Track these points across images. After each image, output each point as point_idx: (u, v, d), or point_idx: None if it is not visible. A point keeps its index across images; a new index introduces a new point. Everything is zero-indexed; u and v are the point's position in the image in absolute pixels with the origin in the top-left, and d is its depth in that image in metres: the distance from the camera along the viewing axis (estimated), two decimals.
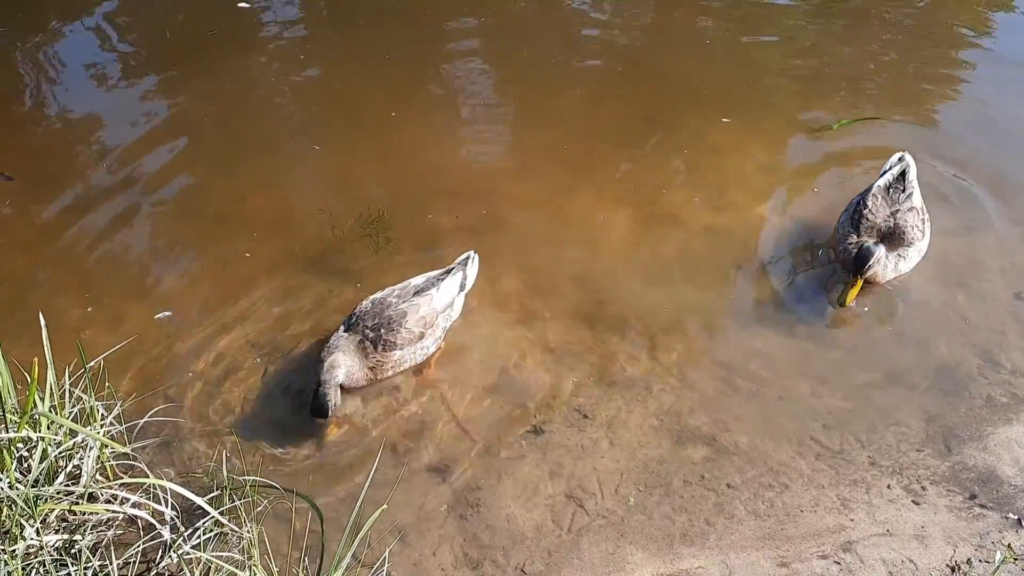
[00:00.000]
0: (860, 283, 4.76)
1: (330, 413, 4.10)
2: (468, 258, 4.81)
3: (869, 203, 5.11)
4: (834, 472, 4.08)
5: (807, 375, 4.54)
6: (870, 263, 4.73)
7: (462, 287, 4.71)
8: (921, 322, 4.85)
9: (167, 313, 4.84)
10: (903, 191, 5.17)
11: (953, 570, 3.66)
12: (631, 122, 6.41)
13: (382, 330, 4.33)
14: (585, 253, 5.26)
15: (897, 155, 5.41)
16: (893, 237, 4.98)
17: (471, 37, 7.39)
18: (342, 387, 4.23)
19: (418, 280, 4.63)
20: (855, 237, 5.02)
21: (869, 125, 6.30)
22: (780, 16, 7.77)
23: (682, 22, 7.78)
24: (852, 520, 3.87)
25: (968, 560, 3.69)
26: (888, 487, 4.02)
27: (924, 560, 3.71)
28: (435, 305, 4.49)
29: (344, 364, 4.21)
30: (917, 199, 5.18)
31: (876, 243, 4.86)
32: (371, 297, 4.52)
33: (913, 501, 3.95)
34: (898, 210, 5.06)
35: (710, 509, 3.93)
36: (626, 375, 4.53)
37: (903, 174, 5.25)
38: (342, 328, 4.43)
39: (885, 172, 5.30)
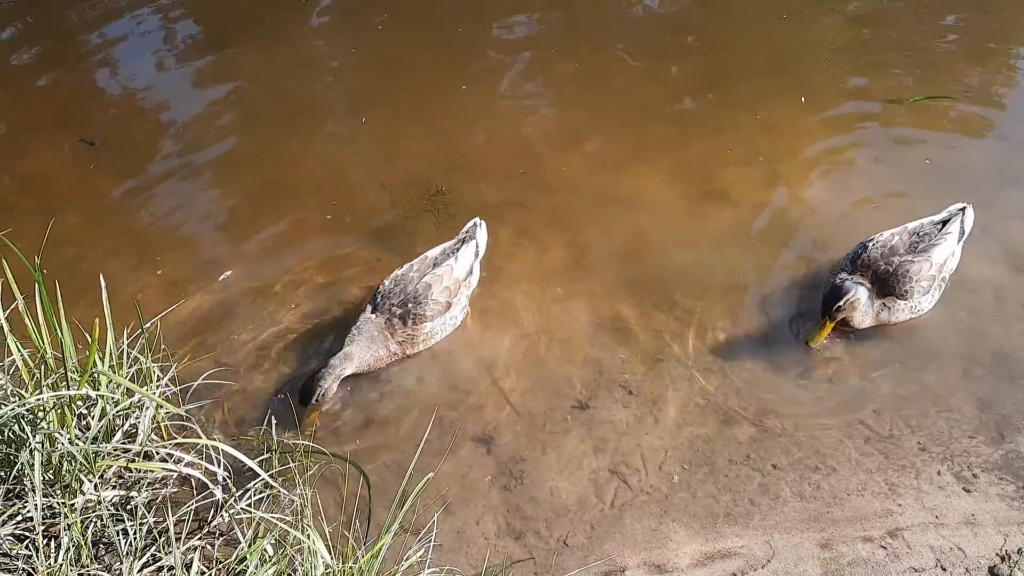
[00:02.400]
0: (830, 325, 4.35)
1: (312, 402, 4.09)
2: (475, 225, 4.81)
3: (882, 239, 4.57)
4: (883, 457, 4.03)
5: (858, 358, 4.46)
6: (840, 303, 4.27)
7: (476, 254, 4.73)
8: (977, 308, 4.72)
9: (229, 273, 4.94)
10: (931, 240, 4.56)
11: (1003, 559, 3.60)
12: (685, 97, 6.32)
13: (409, 304, 4.35)
14: (635, 229, 5.22)
15: (959, 205, 4.77)
16: (887, 283, 4.43)
17: (524, 11, 7.32)
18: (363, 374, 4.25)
19: (434, 252, 4.66)
20: (846, 273, 4.54)
21: (938, 106, 6.12)
22: None
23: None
24: (900, 505, 3.82)
25: (1019, 549, 3.63)
26: (938, 473, 3.95)
27: (973, 548, 3.65)
28: (456, 274, 4.51)
29: (357, 357, 4.22)
30: (941, 254, 4.51)
31: (858, 282, 4.39)
32: (392, 275, 4.53)
33: (964, 488, 3.89)
34: (909, 259, 4.48)
35: (755, 489, 3.91)
36: (673, 353, 4.51)
37: (945, 222, 4.65)
38: (369, 309, 4.43)
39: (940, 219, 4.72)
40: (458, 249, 4.64)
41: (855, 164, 5.70)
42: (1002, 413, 4.20)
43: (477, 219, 4.85)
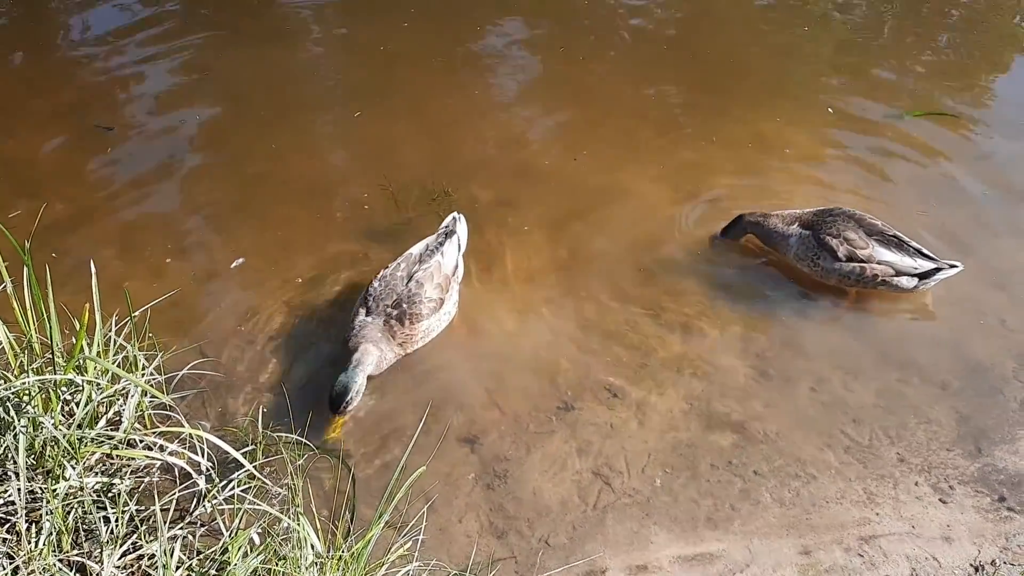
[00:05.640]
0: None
1: (343, 409, 4.02)
2: (455, 219, 4.81)
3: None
4: (862, 466, 4.08)
5: (840, 368, 4.52)
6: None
7: (459, 248, 4.73)
8: (958, 322, 4.81)
9: (241, 260, 4.94)
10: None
11: (977, 570, 3.66)
12: (675, 104, 6.40)
13: (404, 304, 4.33)
14: (623, 233, 5.26)
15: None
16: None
17: (518, 13, 7.37)
18: (370, 377, 4.20)
19: (417, 248, 4.64)
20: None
21: (927, 122, 6.22)
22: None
23: (732, 4, 7.71)
24: (877, 514, 3.87)
25: (993, 561, 3.69)
26: (916, 484, 4.01)
27: (948, 558, 3.71)
28: (445, 270, 4.52)
29: (374, 354, 4.16)
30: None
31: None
32: (379, 276, 4.49)
33: (940, 499, 3.95)
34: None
35: (736, 495, 3.94)
36: (658, 357, 4.54)
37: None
38: (363, 313, 4.37)
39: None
40: (442, 244, 4.63)
41: (844, 177, 5.76)
42: (980, 426, 4.26)
43: (456, 213, 4.86)
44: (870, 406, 4.35)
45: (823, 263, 4.81)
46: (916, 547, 3.75)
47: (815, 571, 3.64)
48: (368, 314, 4.36)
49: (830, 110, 6.34)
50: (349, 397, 4.01)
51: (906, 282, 4.74)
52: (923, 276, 4.72)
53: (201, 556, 3.23)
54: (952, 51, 7.14)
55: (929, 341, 4.70)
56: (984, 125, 6.28)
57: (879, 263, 4.72)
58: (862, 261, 4.72)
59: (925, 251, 4.75)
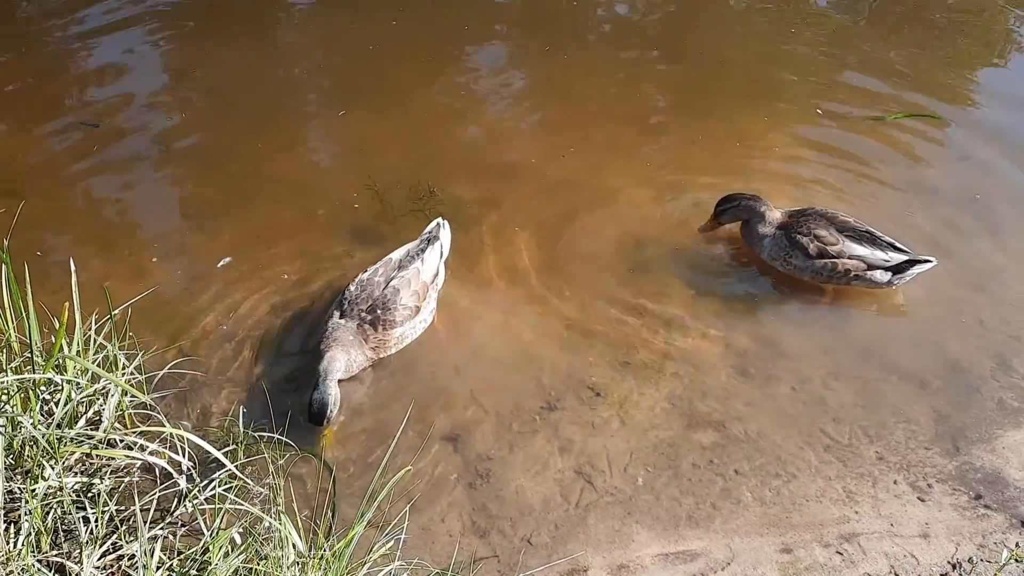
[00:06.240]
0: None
1: (326, 422, 4.00)
2: (438, 225, 4.79)
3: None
4: (841, 464, 4.11)
5: (821, 368, 4.56)
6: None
7: (442, 255, 4.71)
8: (937, 322, 4.85)
9: (228, 260, 4.91)
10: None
11: (954, 567, 3.70)
12: (660, 104, 6.43)
13: (378, 310, 4.30)
14: (606, 233, 5.28)
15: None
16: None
17: (505, 13, 7.38)
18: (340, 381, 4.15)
19: (398, 254, 4.61)
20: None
21: (904, 124, 6.28)
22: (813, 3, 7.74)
23: (716, 7, 7.75)
24: (857, 512, 3.91)
25: (970, 559, 3.73)
26: (894, 482, 4.05)
27: (926, 556, 3.74)
28: (424, 278, 4.49)
29: (341, 360, 4.12)
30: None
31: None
32: (357, 279, 4.47)
33: (919, 498, 3.99)
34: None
35: (717, 493, 3.97)
36: (640, 357, 4.56)
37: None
38: (337, 315, 4.35)
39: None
40: (423, 251, 4.60)
41: (827, 178, 5.81)
42: (957, 425, 4.31)
43: (440, 219, 4.84)
44: (850, 405, 4.39)
45: (795, 261, 4.86)
46: (895, 545, 3.78)
47: (795, 569, 3.67)
48: (342, 316, 4.33)
49: (819, 111, 6.38)
50: (329, 410, 3.98)
51: (880, 276, 4.78)
52: (897, 271, 4.77)
53: (182, 556, 3.21)
54: (934, 52, 7.20)
55: (909, 341, 4.74)
56: (965, 126, 6.34)
57: (850, 258, 4.77)
58: (833, 257, 4.78)
59: (898, 244, 4.81)
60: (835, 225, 4.86)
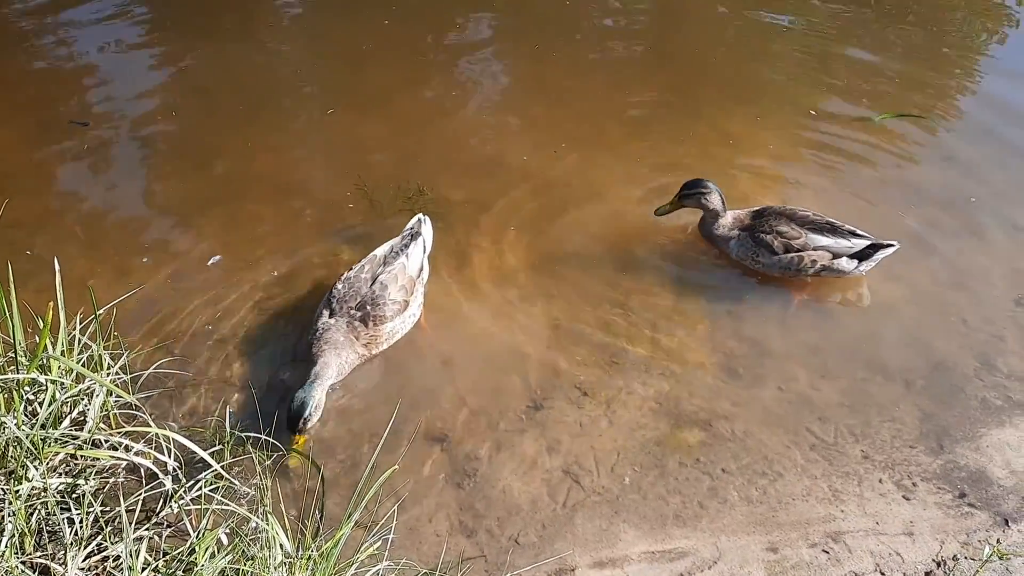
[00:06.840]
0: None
1: (303, 425, 3.89)
2: (419, 220, 4.80)
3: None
4: (827, 463, 4.13)
5: (806, 367, 4.58)
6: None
7: (424, 249, 4.72)
8: (921, 322, 4.88)
9: (218, 258, 4.89)
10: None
11: (939, 565, 3.72)
12: (647, 104, 6.44)
13: (368, 307, 4.30)
14: (593, 233, 5.29)
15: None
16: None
17: (494, 12, 7.38)
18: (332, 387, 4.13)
19: (381, 250, 4.62)
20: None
21: (893, 125, 6.32)
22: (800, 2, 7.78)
23: (702, 8, 7.77)
24: (842, 511, 3.93)
25: (954, 556, 3.75)
26: (880, 481, 4.07)
27: (911, 554, 3.77)
28: (410, 272, 4.50)
29: (333, 366, 4.09)
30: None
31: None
32: (343, 277, 4.46)
33: (903, 496, 4.01)
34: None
35: (704, 492, 3.98)
36: (628, 356, 4.57)
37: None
38: (326, 315, 4.32)
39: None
40: (407, 246, 4.60)
41: (814, 178, 5.83)
42: (942, 424, 4.34)
43: (421, 215, 4.85)
44: (836, 404, 4.41)
45: (763, 259, 4.94)
46: (880, 543, 3.80)
47: (781, 567, 3.68)
48: (331, 316, 4.32)
49: (812, 112, 6.41)
50: (307, 414, 3.89)
51: (846, 264, 4.86)
52: (862, 257, 4.85)
53: (168, 557, 3.19)
54: (921, 53, 7.25)
55: (894, 340, 4.77)
56: (952, 126, 6.39)
57: (815, 249, 4.84)
58: (799, 250, 4.84)
59: (859, 232, 4.87)
60: (795, 220, 4.95)
